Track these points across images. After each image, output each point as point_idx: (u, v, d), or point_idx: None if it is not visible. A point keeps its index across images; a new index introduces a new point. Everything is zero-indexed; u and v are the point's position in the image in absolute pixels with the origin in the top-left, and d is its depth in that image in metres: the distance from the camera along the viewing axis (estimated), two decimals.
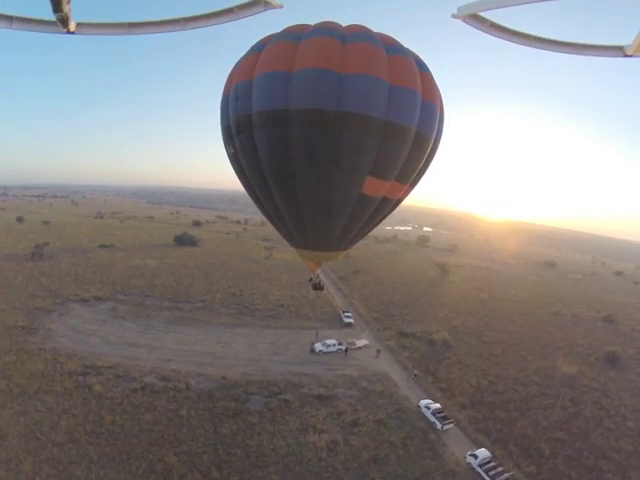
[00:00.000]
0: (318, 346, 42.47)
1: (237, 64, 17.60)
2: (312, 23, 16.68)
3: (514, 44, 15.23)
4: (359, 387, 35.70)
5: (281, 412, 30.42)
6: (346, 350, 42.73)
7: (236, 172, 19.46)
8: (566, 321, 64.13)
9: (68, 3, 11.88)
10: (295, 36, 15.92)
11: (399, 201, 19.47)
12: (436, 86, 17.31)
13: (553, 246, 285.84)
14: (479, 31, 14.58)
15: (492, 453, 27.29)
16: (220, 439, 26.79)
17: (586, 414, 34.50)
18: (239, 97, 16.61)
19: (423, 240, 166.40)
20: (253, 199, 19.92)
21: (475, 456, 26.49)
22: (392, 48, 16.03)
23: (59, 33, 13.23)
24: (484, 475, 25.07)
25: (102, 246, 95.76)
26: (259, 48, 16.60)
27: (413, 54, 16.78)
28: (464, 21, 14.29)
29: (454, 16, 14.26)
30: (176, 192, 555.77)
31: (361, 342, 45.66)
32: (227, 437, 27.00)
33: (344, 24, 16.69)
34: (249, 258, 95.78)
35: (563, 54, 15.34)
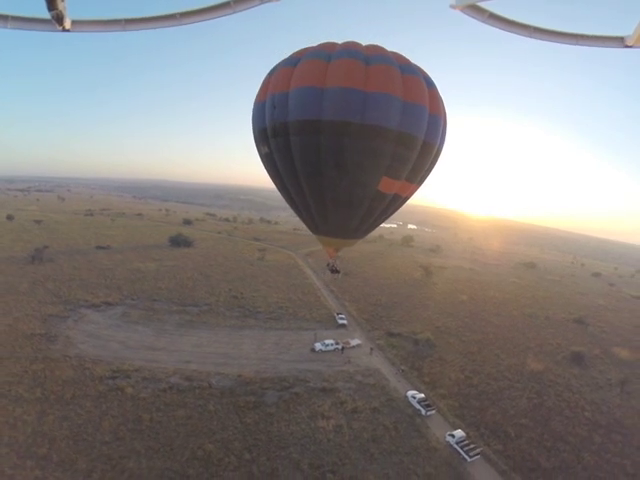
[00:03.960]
0: (318, 345, 47.46)
1: (271, 74, 20.20)
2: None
3: (513, 35, 15.29)
4: (355, 381, 40.99)
5: (293, 403, 35.43)
6: (342, 349, 47.87)
7: (268, 169, 22.68)
8: (539, 322, 69.99)
9: (63, 1, 11.85)
10: (325, 55, 18.70)
11: (407, 198, 23.16)
12: (441, 100, 20.54)
13: (536, 245, 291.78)
14: (478, 21, 14.64)
15: (467, 434, 32.99)
16: (246, 427, 31.37)
17: (549, 405, 40.16)
18: (276, 105, 19.20)
19: (407, 240, 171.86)
20: (283, 192, 23.18)
21: (453, 436, 32.26)
22: (406, 68, 19.04)
23: (54, 31, 13.01)
24: (460, 451, 30.84)
25: (99, 247, 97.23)
26: (293, 62, 19.24)
27: (422, 72, 19.85)
28: (463, 12, 14.36)
29: (452, 7, 14.34)
30: (161, 186, 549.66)
31: (355, 342, 50.80)
32: (251, 426, 31.62)
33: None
34: (243, 260, 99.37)
35: (562, 44, 15.25)
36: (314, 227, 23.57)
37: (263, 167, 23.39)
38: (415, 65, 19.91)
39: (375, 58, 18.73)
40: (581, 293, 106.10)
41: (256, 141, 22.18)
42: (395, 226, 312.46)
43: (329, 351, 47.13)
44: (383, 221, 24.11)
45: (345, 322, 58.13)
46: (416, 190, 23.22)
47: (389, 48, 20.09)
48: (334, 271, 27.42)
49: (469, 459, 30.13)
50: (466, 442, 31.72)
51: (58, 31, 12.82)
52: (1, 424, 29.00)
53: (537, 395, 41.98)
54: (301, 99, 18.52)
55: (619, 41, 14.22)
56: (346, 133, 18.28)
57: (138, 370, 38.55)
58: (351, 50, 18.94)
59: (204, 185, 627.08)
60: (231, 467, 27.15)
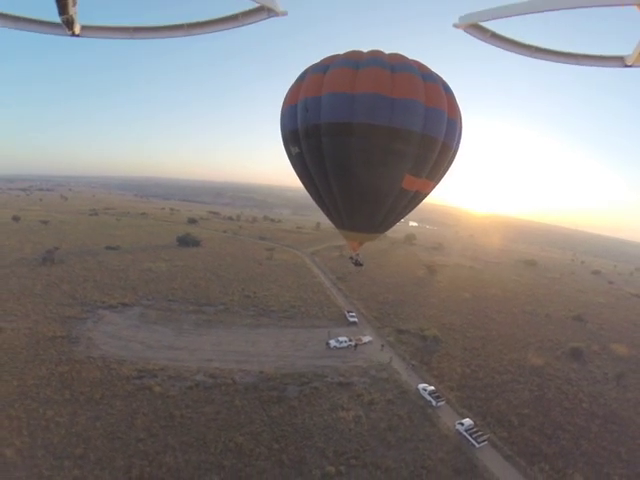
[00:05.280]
0: (332, 342, 50.05)
1: (301, 80, 22.28)
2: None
3: (514, 54, 15.37)
4: (369, 375, 43.57)
5: (314, 397, 37.85)
6: (355, 346, 50.44)
7: (297, 168, 24.26)
8: (540, 319, 72.31)
9: (74, 6, 11.98)
10: (353, 63, 20.38)
11: (426, 194, 25.01)
12: (457, 105, 22.34)
13: (536, 242, 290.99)
14: (480, 41, 14.78)
15: (474, 422, 35.70)
16: (272, 420, 33.60)
17: (549, 397, 42.73)
18: (309, 109, 20.77)
19: (410, 238, 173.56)
20: (311, 190, 24.80)
21: (462, 424, 35.03)
22: (427, 76, 20.81)
23: (64, 35, 13.05)
24: (469, 438, 33.60)
25: (109, 248, 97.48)
26: (323, 69, 20.92)
27: (441, 80, 21.62)
28: (465, 31, 14.51)
29: (455, 26, 14.50)
30: (162, 184, 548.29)
31: (366, 338, 53.26)
32: (277, 418, 33.91)
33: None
34: (252, 259, 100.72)
35: (563, 64, 15.32)
36: (340, 223, 25.16)
37: (291, 166, 25.02)
38: (434, 72, 21.83)
39: (399, 66, 20.48)
40: (580, 291, 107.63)
41: (286, 142, 23.68)
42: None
43: (343, 348, 49.66)
44: (404, 216, 25.88)
45: (356, 320, 60.51)
46: (435, 187, 25.05)
47: None
48: (357, 264, 29.20)
49: (477, 445, 32.92)
50: (474, 430, 34.44)
51: (67, 35, 12.91)
52: (33, 426, 29.86)
53: (538, 388, 44.51)
54: (333, 103, 20.17)
55: (619, 61, 14.33)
56: (375, 135, 20.05)
57: (163, 369, 40.23)
58: (377, 59, 20.68)
59: (203, 183, 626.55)
60: (262, 457, 29.25)
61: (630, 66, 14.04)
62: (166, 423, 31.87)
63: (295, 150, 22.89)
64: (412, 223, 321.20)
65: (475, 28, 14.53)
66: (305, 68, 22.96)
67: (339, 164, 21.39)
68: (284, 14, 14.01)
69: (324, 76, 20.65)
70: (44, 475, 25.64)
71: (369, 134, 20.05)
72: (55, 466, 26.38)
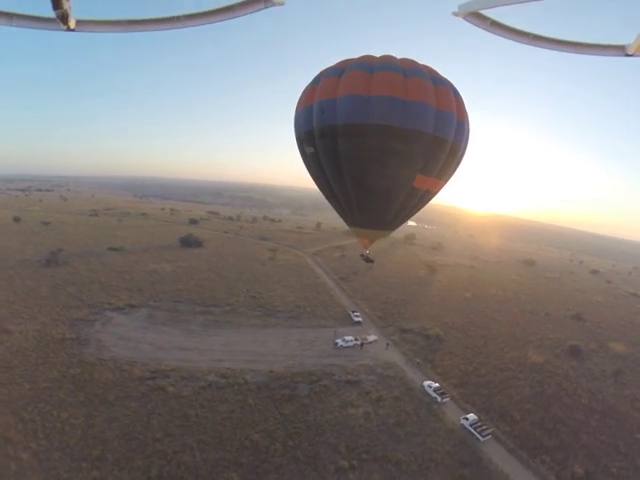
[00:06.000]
0: (339, 342, 51.30)
1: (316, 82, 23.34)
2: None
3: (514, 42, 15.55)
4: (376, 373, 44.81)
5: (324, 394, 39.06)
6: (361, 345, 51.71)
7: (312, 168, 25.25)
8: (539, 318, 73.73)
9: (68, 0, 11.86)
10: (367, 67, 21.44)
11: (436, 193, 26.13)
12: (465, 107, 23.36)
13: (533, 241, 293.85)
14: (480, 29, 15.06)
15: (478, 417, 37.11)
16: (285, 418, 34.66)
17: (549, 393, 44.11)
18: (325, 110, 21.75)
19: (410, 238, 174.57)
20: (324, 189, 25.91)
21: (467, 419, 36.50)
22: (437, 80, 21.88)
23: (59, 30, 13.01)
24: (473, 432, 35.05)
25: (112, 249, 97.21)
26: (338, 73, 21.93)
27: (450, 84, 22.66)
28: (465, 19, 14.87)
29: (455, 14, 15.00)
30: (161, 184, 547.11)
31: (371, 338, 54.49)
32: (290, 416, 34.98)
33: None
34: (255, 259, 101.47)
35: (564, 53, 15.37)
36: (352, 220, 26.32)
37: (305, 167, 26.09)
38: (444, 77, 23.05)
39: (411, 71, 21.69)
40: (579, 290, 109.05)
41: (300, 142, 24.72)
42: None
43: (349, 347, 50.89)
44: (414, 214, 26.99)
45: (360, 319, 61.75)
46: (443, 186, 26.18)
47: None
48: (369, 260, 30.29)
49: (482, 439, 34.37)
50: (478, 424, 35.88)
51: (62, 30, 12.86)
52: (49, 429, 29.89)
53: (538, 384, 45.87)
54: (349, 105, 21.29)
55: (620, 50, 14.34)
56: (389, 136, 21.24)
57: (175, 370, 40.75)
58: (391, 64, 21.96)
59: (202, 183, 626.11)
60: (278, 453, 30.21)
61: (631, 55, 14.10)
62: (182, 423, 32.47)
63: (310, 150, 23.87)
64: (411, 223, 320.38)
65: (475, 16, 14.80)
66: (314, 71, 24.02)
67: (354, 163, 22.48)
68: (281, 4, 14.14)
69: (339, 79, 21.71)
70: (62, 477, 25.80)
71: (383, 135, 21.18)
72: (73, 468, 26.62)
